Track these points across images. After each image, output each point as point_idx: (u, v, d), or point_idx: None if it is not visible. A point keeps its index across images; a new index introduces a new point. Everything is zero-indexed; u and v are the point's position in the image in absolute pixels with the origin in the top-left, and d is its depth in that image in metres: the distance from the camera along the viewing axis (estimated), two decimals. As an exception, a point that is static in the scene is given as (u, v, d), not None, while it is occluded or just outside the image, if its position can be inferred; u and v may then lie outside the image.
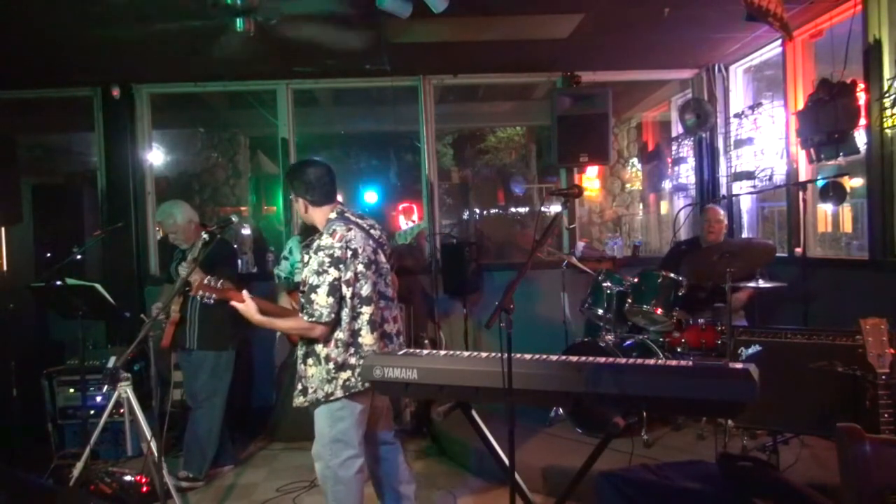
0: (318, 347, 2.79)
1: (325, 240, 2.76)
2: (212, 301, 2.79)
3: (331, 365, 2.76)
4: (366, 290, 2.79)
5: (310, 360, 2.83)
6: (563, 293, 4.98)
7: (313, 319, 2.70)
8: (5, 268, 4.86)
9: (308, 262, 2.77)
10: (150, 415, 3.38)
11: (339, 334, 2.77)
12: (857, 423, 2.00)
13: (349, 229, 2.80)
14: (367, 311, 2.80)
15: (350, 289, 2.75)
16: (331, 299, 2.69)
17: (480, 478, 4.05)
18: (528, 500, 2.73)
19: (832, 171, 4.48)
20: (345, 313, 2.76)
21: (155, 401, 3.17)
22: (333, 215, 2.88)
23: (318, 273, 2.71)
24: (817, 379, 2.96)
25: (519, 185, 11.33)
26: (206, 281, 2.80)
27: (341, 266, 2.72)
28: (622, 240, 7.95)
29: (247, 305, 2.75)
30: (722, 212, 4.75)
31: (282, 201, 5.98)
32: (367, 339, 2.79)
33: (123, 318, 4.13)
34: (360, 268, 2.78)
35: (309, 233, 4.28)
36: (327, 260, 2.71)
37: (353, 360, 2.77)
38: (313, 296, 2.70)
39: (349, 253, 2.74)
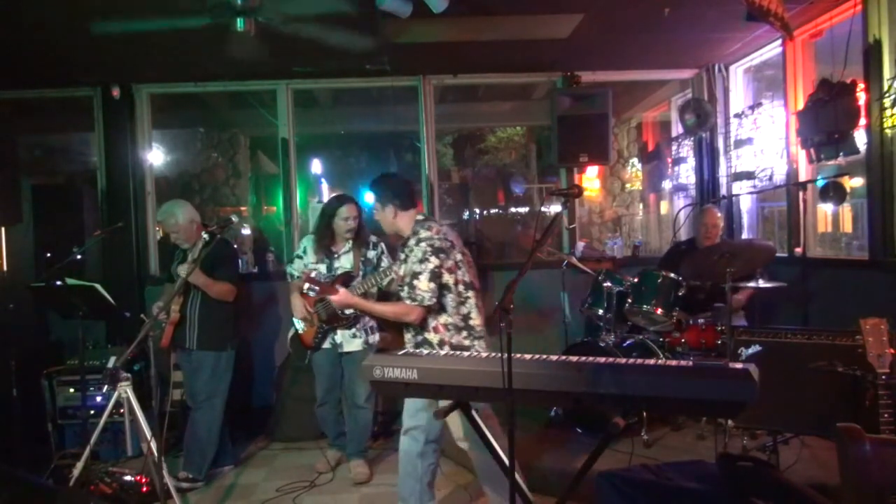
0: (431, 336, 3.03)
1: (424, 233, 3.04)
2: (315, 293, 3.14)
3: (446, 349, 3.00)
4: (467, 276, 3.08)
5: (422, 350, 3.00)
6: (563, 293, 4.98)
7: (416, 303, 2.96)
8: (5, 268, 4.86)
9: (407, 256, 3.05)
10: (150, 415, 3.38)
11: (450, 319, 3.03)
12: (857, 423, 2.00)
13: (441, 226, 3.12)
14: (472, 294, 3.08)
15: (453, 276, 3.02)
16: (432, 284, 2.95)
17: (476, 475, 4.04)
18: (527, 500, 2.73)
19: (832, 171, 4.47)
20: (451, 299, 3.03)
21: (155, 401, 3.17)
22: (420, 217, 3.16)
23: (421, 261, 2.97)
24: (817, 379, 2.95)
25: (519, 185, 11.33)
26: (312, 275, 3.16)
27: (441, 255, 2.99)
28: (622, 240, 7.94)
29: (341, 295, 3.22)
30: (719, 214, 4.74)
31: (281, 201, 5.97)
32: (476, 320, 3.06)
33: (123, 318, 4.13)
34: (458, 256, 3.07)
35: (324, 236, 4.22)
36: (429, 250, 2.99)
37: (466, 342, 3.02)
38: (416, 281, 2.96)
39: (447, 244, 3.04)
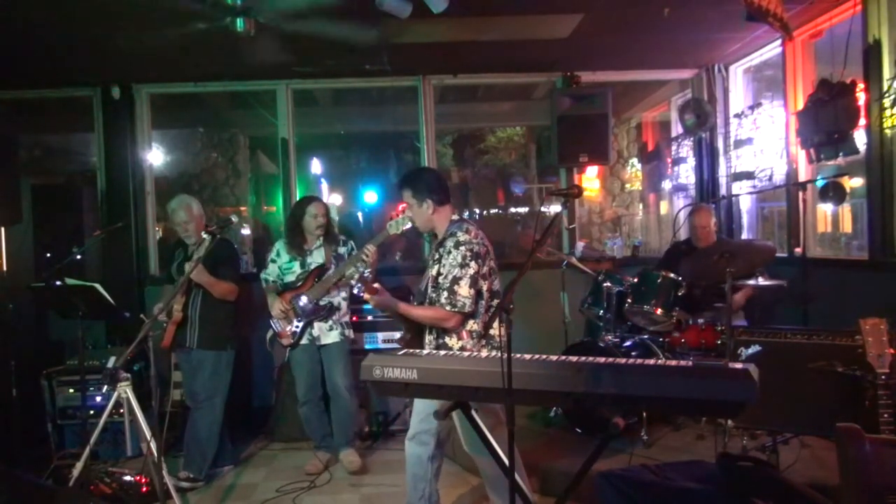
0: (452, 341, 2.95)
1: (463, 236, 2.93)
2: (364, 293, 3.00)
3: (473, 353, 2.90)
4: (496, 284, 3.01)
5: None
6: (563, 293, 4.98)
7: (456, 309, 2.86)
8: (5, 268, 4.85)
9: (443, 258, 2.94)
10: (150, 415, 3.38)
11: (474, 326, 2.94)
12: (857, 423, 2.00)
13: (478, 230, 3.02)
14: (495, 303, 2.97)
15: (486, 283, 2.94)
16: (472, 290, 2.88)
17: (480, 478, 4.04)
18: (527, 500, 2.73)
19: (832, 171, 4.48)
20: (480, 306, 2.94)
21: (155, 401, 3.17)
22: (455, 217, 3.07)
23: (462, 266, 2.88)
24: (817, 379, 2.95)
25: (519, 185, 11.35)
26: (366, 275, 3.07)
27: (479, 261, 2.91)
28: (622, 240, 7.94)
29: (381, 296, 2.94)
30: (711, 215, 4.71)
31: (281, 201, 5.97)
32: (496, 330, 2.91)
33: (123, 318, 4.13)
34: (492, 263, 2.99)
35: (295, 235, 4.31)
36: (468, 254, 2.89)
37: (484, 353, 2.89)
38: (456, 287, 2.87)
39: (484, 249, 2.95)
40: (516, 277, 2.26)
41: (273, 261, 4.41)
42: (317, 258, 4.31)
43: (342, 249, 4.34)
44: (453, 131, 11.80)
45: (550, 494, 3.63)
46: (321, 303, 4.20)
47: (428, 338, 3.04)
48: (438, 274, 2.94)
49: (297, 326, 4.21)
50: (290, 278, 4.32)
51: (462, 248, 2.89)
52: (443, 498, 3.42)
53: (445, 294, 2.88)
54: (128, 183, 5.54)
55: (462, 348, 2.93)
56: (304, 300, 4.19)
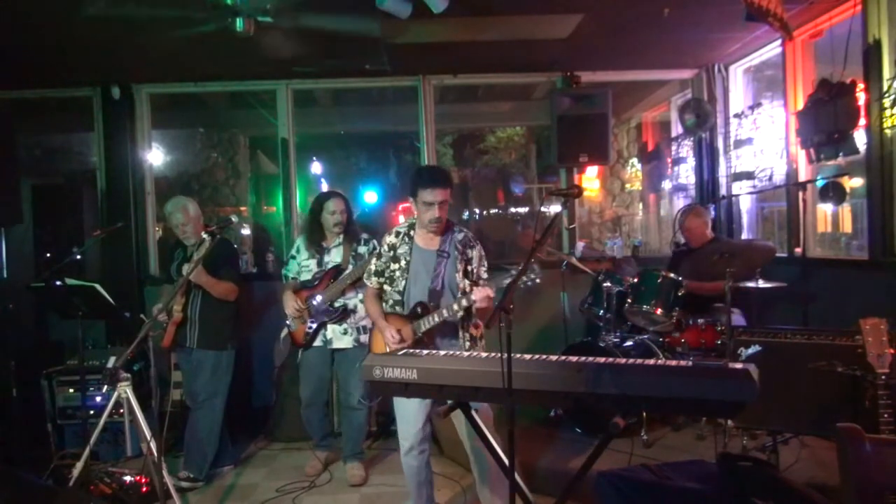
0: (477, 332, 3.16)
1: (469, 233, 3.22)
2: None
3: (483, 342, 3.16)
4: None
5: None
6: (563, 293, 4.98)
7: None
8: (5, 268, 4.85)
9: (464, 253, 3.15)
10: (150, 415, 3.38)
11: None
12: (857, 423, 2.00)
13: None
14: None
15: None
16: None
17: (470, 476, 4.04)
18: (527, 500, 2.73)
19: (832, 171, 4.47)
20: None
21: (155, 401, 3.17)
22: None
23: (485, 258, 3.20)
24: (817, 379, 2.96)
25: (519, 185, 11.34)
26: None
27: None
28: (622, 240, 7.93)
29: (483, 289, 3.04)
30: (697, 216, 4.70)
31: (281, 201, 5.97)
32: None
33: (123, 318, 4.13)
34: None
35: (313, 232, 4.26)
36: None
37: (484, 353, 3.03)
38: (491, 278, 3.14)
39: None
40: (516, 277, 2.26)
41: (293, 257, 4.35)
42: (335, 257, 4.21)
43: (362, 249, 4.21)
44: (453, 131, 11.79)
45: (550, 494, 3.62)
46: (335, 304, 4.12)
47: (462, 334, 3.14)
48: (467, 270, 3.10)
49: (310, 327, 4.15)
50: (307, 276, 4.24)
51: (479, 244, 3.17)
52: (439, 495, 3.46)
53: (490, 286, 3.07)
54: (128, 183, 5.53)
55: (481, 336, 3.12)
56: (317, 300, 4.12)
